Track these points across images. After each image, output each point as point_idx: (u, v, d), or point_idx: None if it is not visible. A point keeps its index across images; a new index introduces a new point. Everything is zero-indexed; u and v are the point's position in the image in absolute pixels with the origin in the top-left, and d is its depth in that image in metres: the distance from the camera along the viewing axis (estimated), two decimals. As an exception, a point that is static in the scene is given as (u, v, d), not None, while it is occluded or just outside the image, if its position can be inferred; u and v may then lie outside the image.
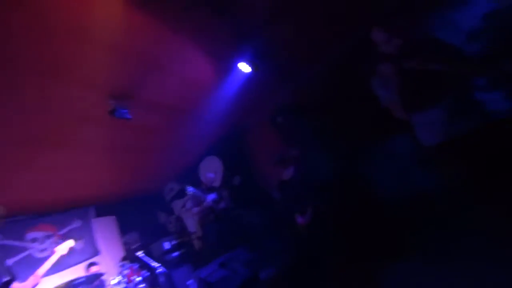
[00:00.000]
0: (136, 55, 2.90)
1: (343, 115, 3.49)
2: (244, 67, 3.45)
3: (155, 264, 3.66)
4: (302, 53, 3.72)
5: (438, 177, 1.78)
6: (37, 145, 3.32)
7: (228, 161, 5.54)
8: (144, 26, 2.62)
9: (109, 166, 4.38)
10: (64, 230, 5.11)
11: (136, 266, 4.39)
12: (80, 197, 5.04)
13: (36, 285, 2.77)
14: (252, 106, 4.80)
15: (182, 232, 5.80)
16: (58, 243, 3.37)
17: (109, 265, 5.22)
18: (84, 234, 5.32)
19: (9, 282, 2.53)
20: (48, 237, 4.83)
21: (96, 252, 5.37)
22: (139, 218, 6.02)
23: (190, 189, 4.13)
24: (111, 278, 4.19)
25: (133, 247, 5.21)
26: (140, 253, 3.92)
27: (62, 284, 3.75)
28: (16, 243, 4.44)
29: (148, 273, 4.30)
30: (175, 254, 4.90)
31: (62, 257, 3.20)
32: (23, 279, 2.77)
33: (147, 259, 3.79)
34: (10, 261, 4.24)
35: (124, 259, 5.19)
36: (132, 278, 4.24)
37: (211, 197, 4.20)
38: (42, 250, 4.65)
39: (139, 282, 4.19)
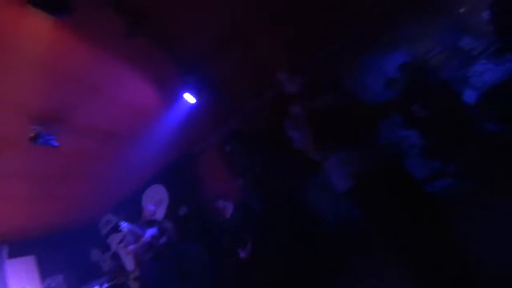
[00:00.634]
0: (69, 78, 2.73)
1: (282, 148, 3.65)
2: (189, 98, 3.46)
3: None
4: (246, 86, 3.89)
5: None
6: None
7: (175, 190, 5.29)
8: (79, 48, 2.50)
9: (29, 197, 3.81)
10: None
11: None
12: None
13: None
14: (201, 135, 4.77)
15: (118, 272, 5.18)
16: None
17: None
18: (-9, 281, 4.41)
19: None
20: None
21: (6, 301, 4.45)
22: (66, 257, 5.20)
23: (124, 225, 3.76)
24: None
25: (55, 293, 4.46)
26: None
27: None
28: None
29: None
30: (106, 299, 4.31)
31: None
32: None
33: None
34: None
35: (41, 309, 4.39)
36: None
37: (150, 232, 3.87)
38: None
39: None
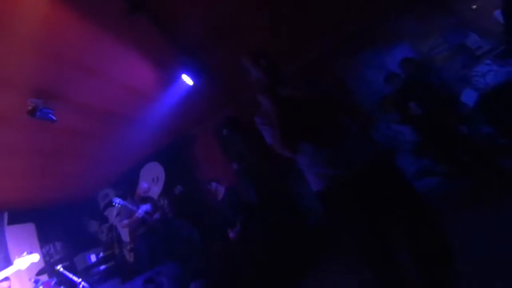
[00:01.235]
0: (68, 56, 2.69)
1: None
2: (187, 79, 3.43)
3: (76, 279, 3.36)
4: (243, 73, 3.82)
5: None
6: None
7: (171, 169, 5.39)
8: (77, 26, 2.46)
9: (25, 173, 3.90)
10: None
11: (52, 281, 3.95)
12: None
13: None
14: (198, 117, 4.77)
15: (114, 243, 5.40)
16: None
17: (23, 280, 4.61)
18: (-8, 243, 4.62)
19: None
20: None
21: (8, 264, 4.69)
22: (64, 227, 5.42)
23: (117, 201, 3.88)
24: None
25: (53, 259, 4.68)
26: (59, 267, 3.55)
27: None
28: None
29: (67, 289, 3.90)
30: (102, 267, 4.54)
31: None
32: None
33: (68, 273, 3.45)
34: None
35: (40, 272, 4.63)
36: (45, 295, 3.79)
37: (143, 208, 4.00)
38: None
39: (54, 300, 3.76)
